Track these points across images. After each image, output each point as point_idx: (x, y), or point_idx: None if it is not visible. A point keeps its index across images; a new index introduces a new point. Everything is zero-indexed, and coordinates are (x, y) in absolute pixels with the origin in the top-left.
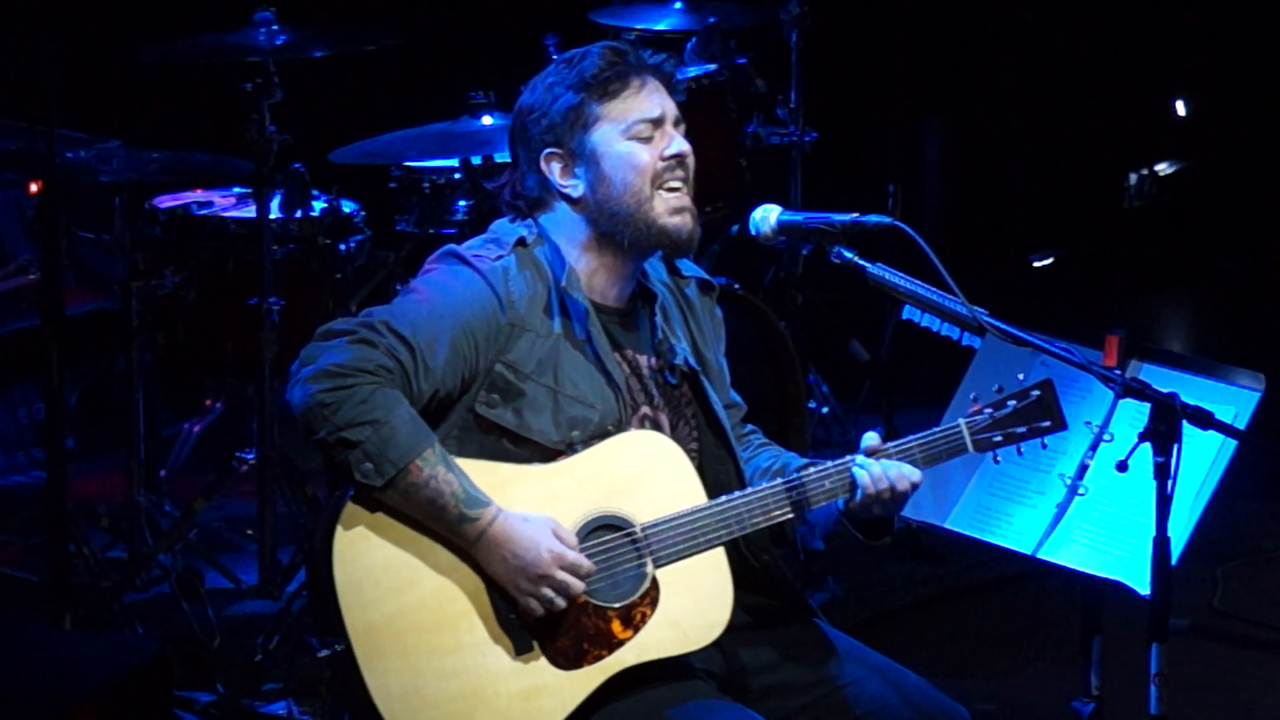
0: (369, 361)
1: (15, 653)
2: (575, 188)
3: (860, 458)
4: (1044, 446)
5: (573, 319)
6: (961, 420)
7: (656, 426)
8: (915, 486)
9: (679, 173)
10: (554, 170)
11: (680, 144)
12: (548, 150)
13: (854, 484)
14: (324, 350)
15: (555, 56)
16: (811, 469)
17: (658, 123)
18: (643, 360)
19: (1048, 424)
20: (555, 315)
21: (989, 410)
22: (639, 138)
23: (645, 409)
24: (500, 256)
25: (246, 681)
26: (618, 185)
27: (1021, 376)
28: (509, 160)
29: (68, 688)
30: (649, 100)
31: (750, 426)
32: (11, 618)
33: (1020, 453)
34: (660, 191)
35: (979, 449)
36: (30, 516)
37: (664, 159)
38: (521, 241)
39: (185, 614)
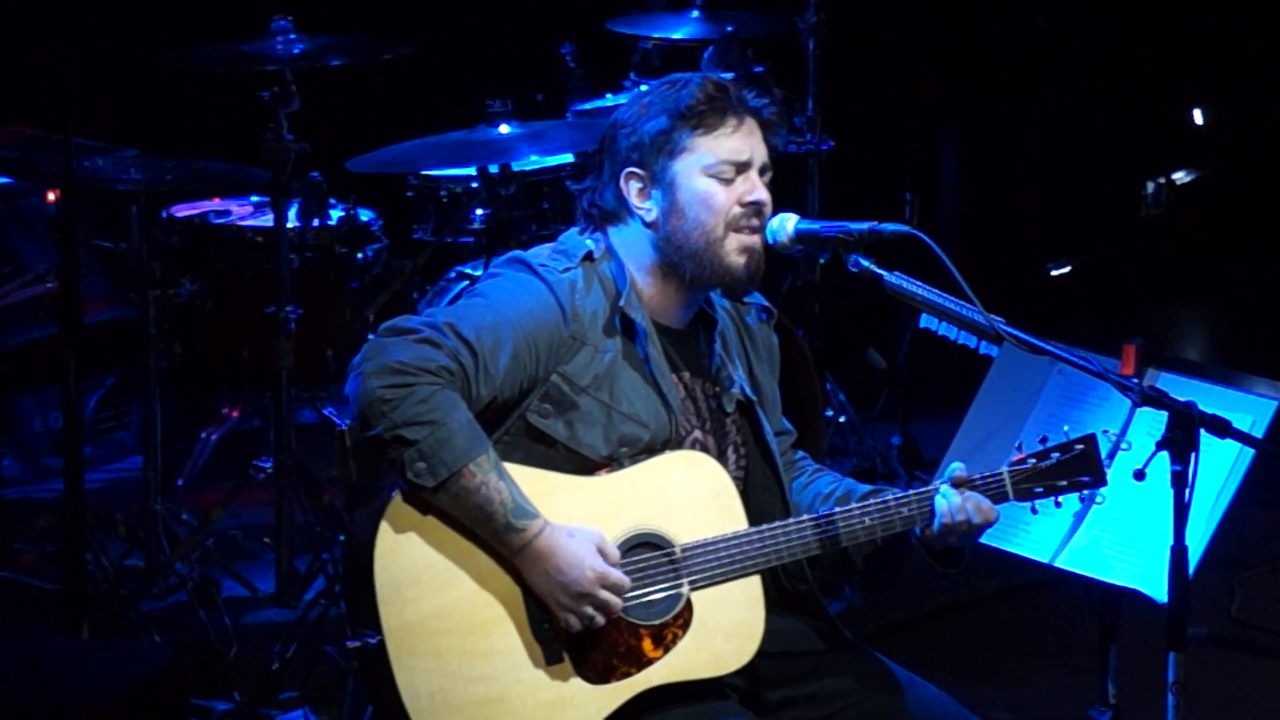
0: (431, 362)
1: (33, 662)
2: (649, 211)
3: (944, 487)
4: (1083, 501)
5: (634, 338)
6: (1005, 469)
7: (705, 450)
8: (990, 524)
9: (754, 221)
10: (631, 189)
11: (761, 193)
12: (629, 169)
13: (933, 513)
14: (388, 346)
15: (635, 79)
16: (872, 499)
17: (743, 167)
18: (699, 384)
19: (1088, 480)
20: (616, 333)
21: (1032, 460)
22: (720, 177)
23: (697, 433)
24: (568, 269)
25: (263, 690)
26: (690, 220)
27: (1067, 430)
28: (590, 166)
29: (85, 696)
30: (740, 142)
31: (801, 454)
32: (29, 626)
33: (1059, 505)
34: (733, 233)
35: (1019, 498)
36: (47, 525)
37: (742, 204)
38: (589, 256)
39: (202, 622)
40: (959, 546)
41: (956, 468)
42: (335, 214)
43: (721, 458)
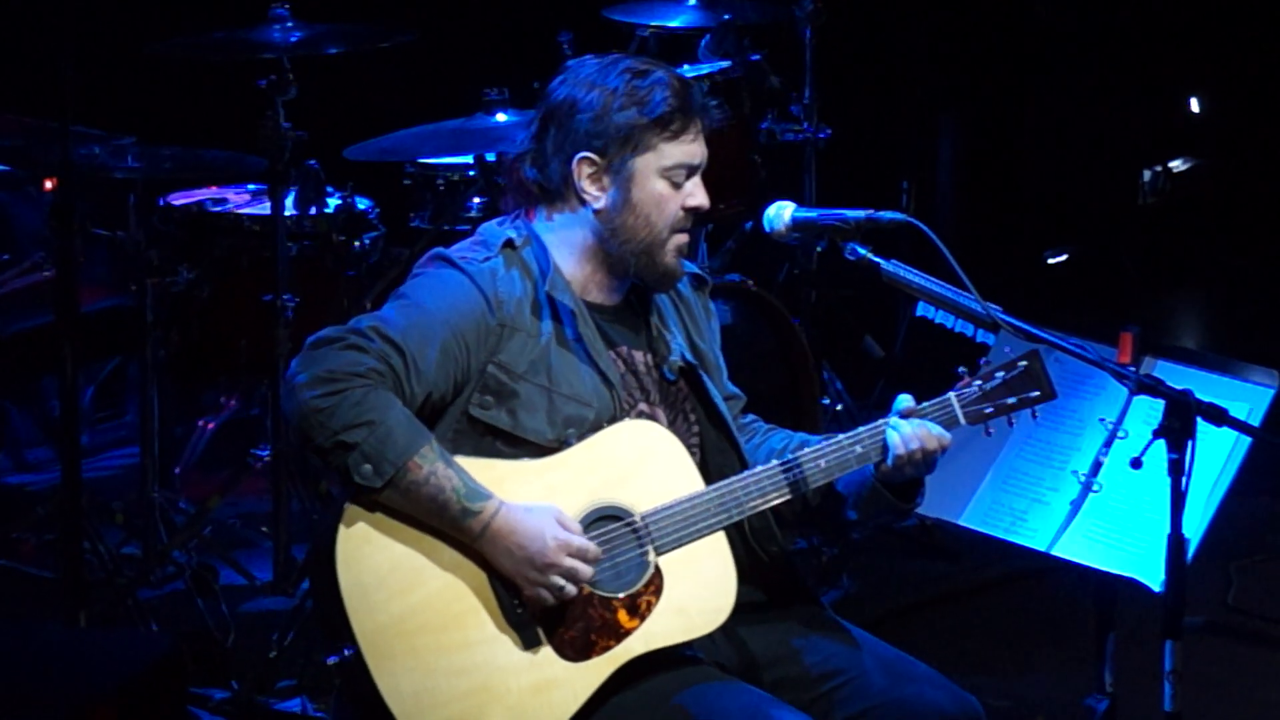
0: (360, 365)
1: (30, 650)
2: (599, 200)
3: (894, 419)
4: (1034, 417)
5: (562, 320)
6: (951, 394)
7: (655, 422)
8: (944, 448)
9: (689, 221)
10: (583, 172)
11: (702, 198)
12: (585, 154)
13: (885, 446)
14: (315, 358)
15: (608, 56)
16: (827, 441)
17: (693, 170)
18: (639, 357)
19: (1037, 394)
20: (545, 316)
21: (977, 384)
22: (672, 180)
23: (642, 405)
24: (488, 258)
25: (261, 678)
26: (639, 218)
27: (1008, 350)
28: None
29: (82, 685)
30: (694, 147)
31: (751, 416)
32: (27, 615)
33: (1011, 423)
34: (673, 234)
35: (970, 421)
36: (45, 514)
37: (686, 209)
38: (509, 243)
39: (200, 611)
40: (916, 477)
41: (904, 399)
42: (332, 202)
43: (673, 426)
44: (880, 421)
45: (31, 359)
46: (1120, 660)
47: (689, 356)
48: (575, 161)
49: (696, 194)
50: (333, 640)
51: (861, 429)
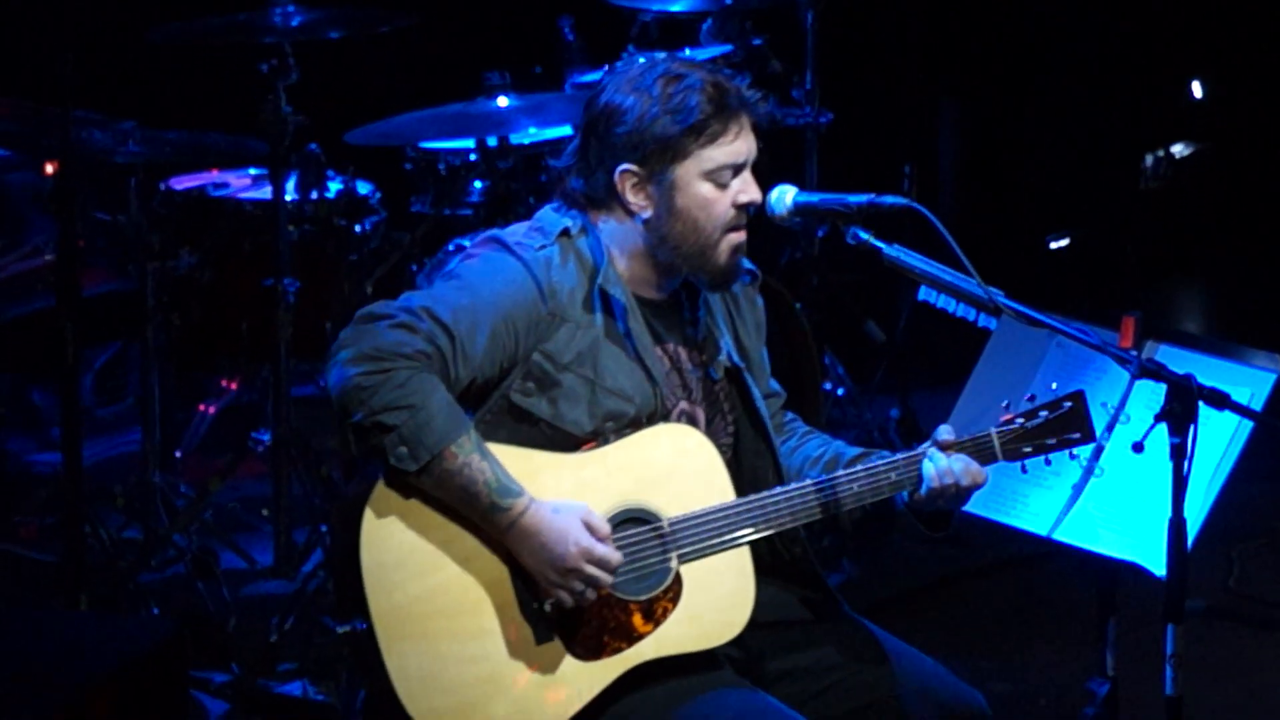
0: (408, 346)
1: (31, 634)
2: (645, 210)
3: (931, 450)
4: (1072, 457)
5: (614, 314)
6: (993, 430)
7: (693, 421)
8: (978, 485)
9: (744, 218)
10: (626, 184)
11: (754, 194)
12: (626, 166)
13: (920, 477)
14: (364, 333)
15: (648, 60)
16: (860, 465)
17: (739, 169)
18: (684, 353)
19: (1077, 436)
20: (597, 309)
21: (1020, 420)
22: (717, 182)
23: (683, 403)
24: (544, 246)
25: (262, 662)
26: (687, 224)
27: (1055, 385)
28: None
29: (83, 668)
30: (739, 145)
31: (791, 415)
32: (28, 599)
33: (1048, 463)
34: (726, 234)
35: (1008, 458)
36: (46, 497)
37: (737, 206)
38: (566, 232)
39: (200, 594)
40: (947, 510)
41: (944, 430)
42: (334, 186)
43: (710, 426)
44: (918, 450)
45: (31, 344)
46: (1121, 644)
47: (735, 358)
48: (618, 174)
49: (747, 190)
50: (346, 613)
51: (899, 456)
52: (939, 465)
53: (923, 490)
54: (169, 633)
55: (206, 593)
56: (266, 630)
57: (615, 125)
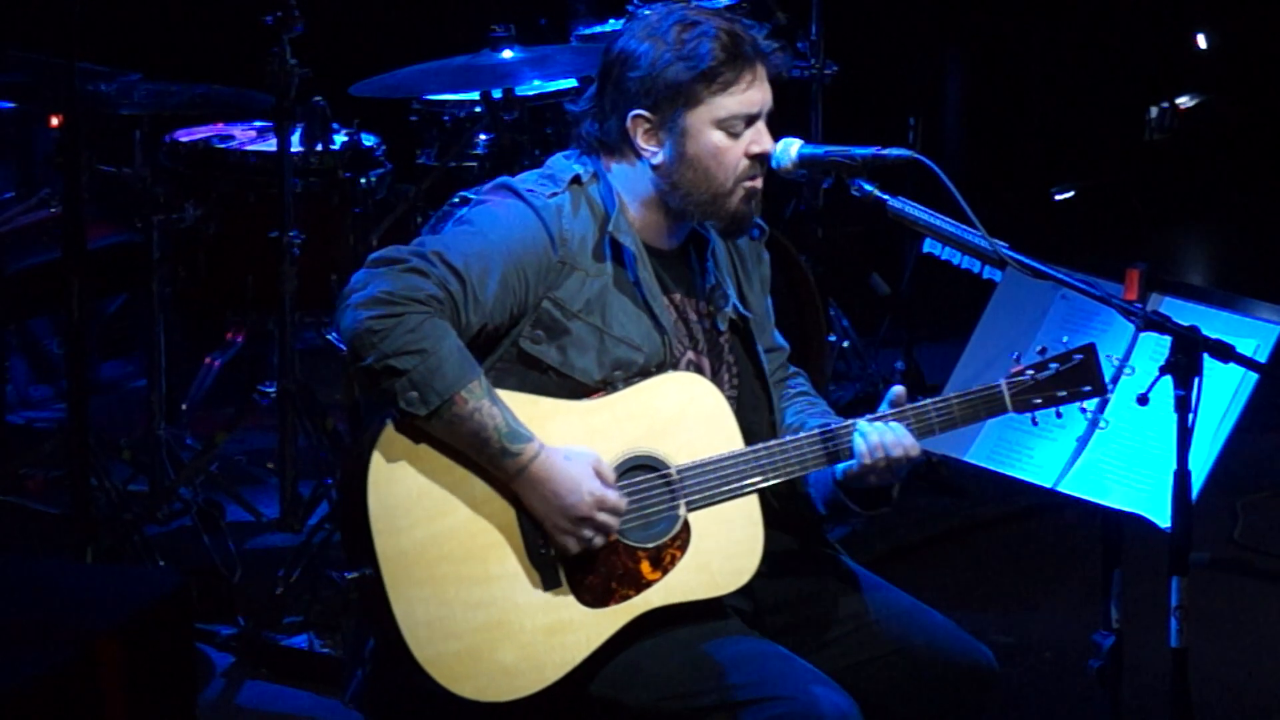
0: (420, 291)
1: (37, 586)
2: (655, 155)
3: (862, 423)
4: (1083, 410)
5: (624, 262)
6: (1003, 380)
7: (699, 372)
8: (911, 459)
9: (759, 168)
10: (638, 129)
11: (766, 143)
12: (638, 111)
13: (850, 450)
14: (375, 277)
15: (667, 6)
16: (818, 430)
17: (753, 119)
18: (691, 305)
19: (1089, 389)
20: (607, 257)
21: (1030, 372)
22: (730, 131)
23: (690, 354)
24: (555, 194)
25: (267, 614)
26: (699, 171)
27: (1066, 339)
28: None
29: (89, 621)
30: (753, 95)
31: (793, 370)
32: (34, 551)
33: (1059, 415)
34: (740, 183)
35: (1018, 410)
36: (52, 450)
37: (749, 156)
38: (577, 179)
39: (206, 547)
40: (881, 486)
41: (898, 391)
42: (339, 139)
43: (715, 378)
44: (924, 401)
45: (36, 295)
46: (1126, 596)
47: (741, 309)
48: (630, 119)
49: (760, 140)
50: (353, 558)
51: (884, 421)
52: (869, 440)
53: (854, 466)
54: (175, 585)
55: (212, 545)
56: (272, 583)
57: (629, 70)
